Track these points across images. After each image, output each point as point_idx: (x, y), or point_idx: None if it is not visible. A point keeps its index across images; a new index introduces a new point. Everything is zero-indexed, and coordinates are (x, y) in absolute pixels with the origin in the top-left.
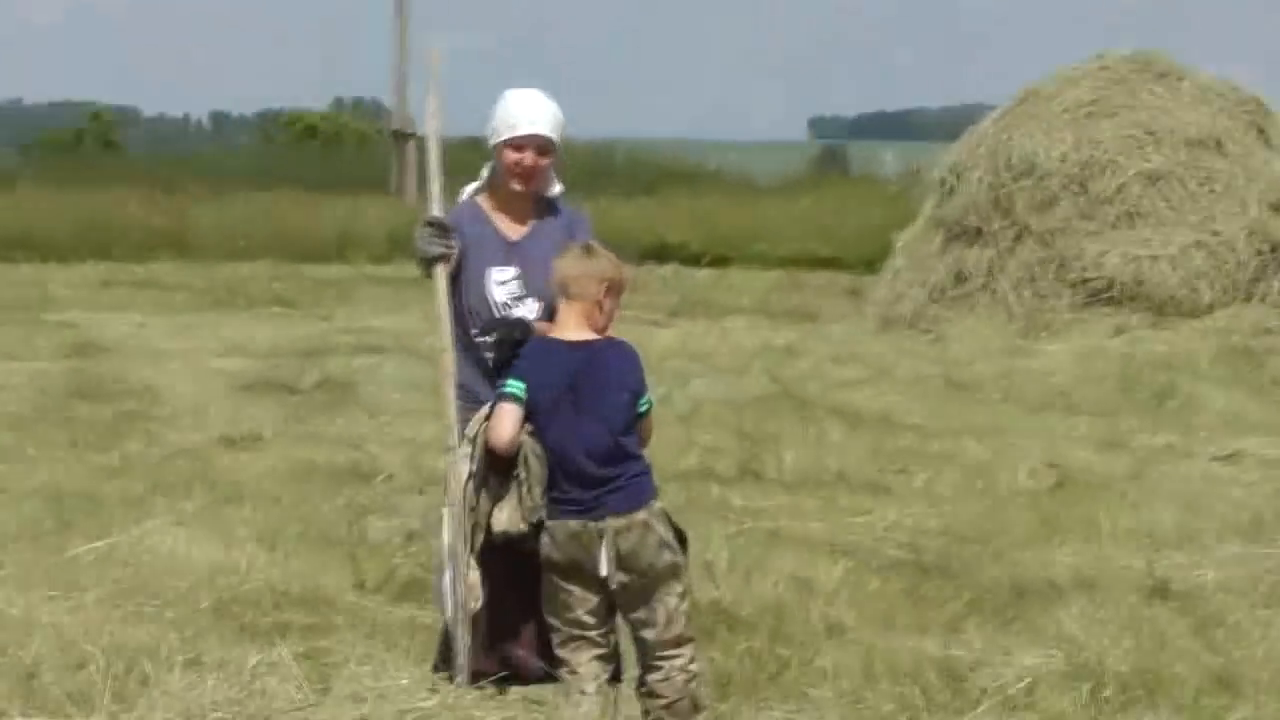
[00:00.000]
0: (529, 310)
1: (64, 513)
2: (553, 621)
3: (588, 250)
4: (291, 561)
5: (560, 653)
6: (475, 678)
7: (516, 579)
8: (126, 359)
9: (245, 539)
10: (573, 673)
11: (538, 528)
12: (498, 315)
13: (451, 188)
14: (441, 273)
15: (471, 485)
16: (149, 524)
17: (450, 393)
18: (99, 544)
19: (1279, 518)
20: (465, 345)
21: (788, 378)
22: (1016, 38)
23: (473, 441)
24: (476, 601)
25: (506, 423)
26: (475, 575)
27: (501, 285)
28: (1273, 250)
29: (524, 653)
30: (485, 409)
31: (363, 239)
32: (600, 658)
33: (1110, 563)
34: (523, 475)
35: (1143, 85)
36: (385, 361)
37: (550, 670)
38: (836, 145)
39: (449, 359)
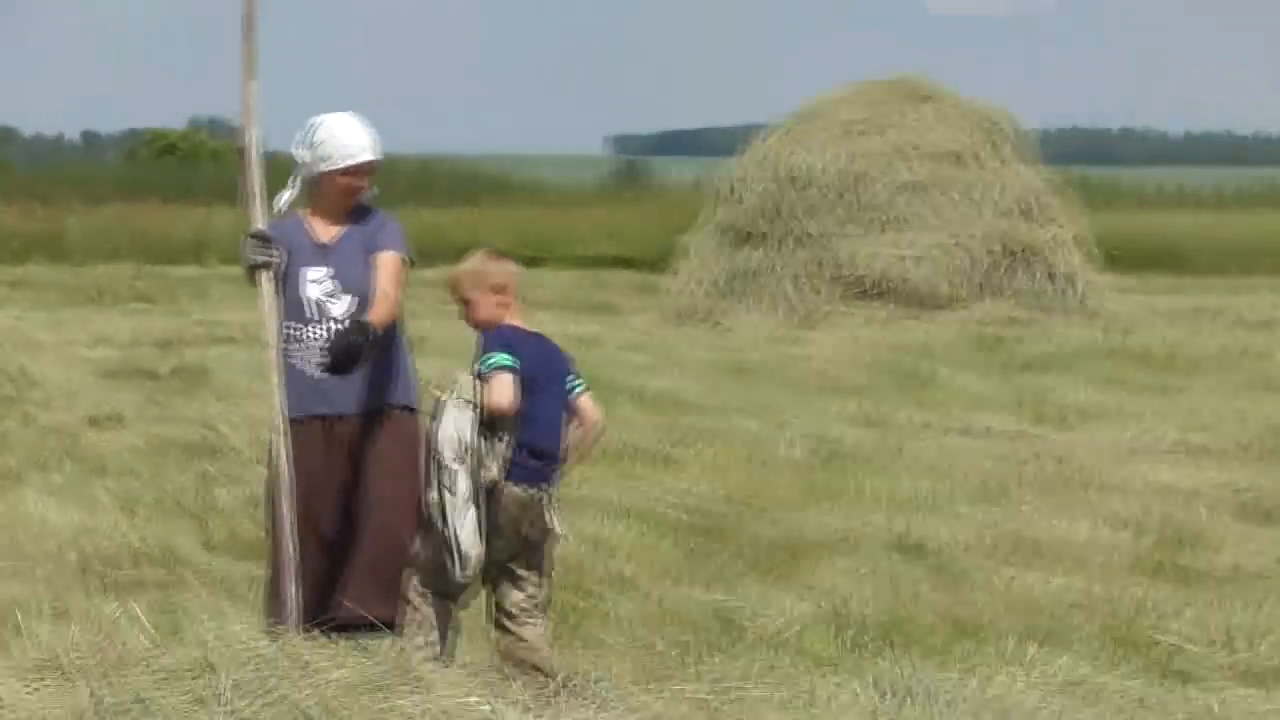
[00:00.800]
0: (343, 305)
1: None
2: (430, 577)
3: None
4: (148, 525)
5: (416, 600)
6: (305, 624)
7: (339, 528)
8: (4, 349)
9: (108, 506)
10: (416, 610)
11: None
12: (311, 311)
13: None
14: (264, 278)
15: (482, 443)
16: (22, 493)
17: (276, 382)
18: None
19: (1017, 484)
20: (286, 339)
21: (589, 363)
22: (798, 61)
23: (471, 403)
24: (479, 547)
25: (510, 389)
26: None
27: (316, 284)
28: (1013, 251)
29: (350, 603)
30: (468, 377)
31: (215, 243)
32: (451, 617)
33: (868, 524)
34: (505, 437)
35: (904, 106)
36: (235, 351)
37: (376, 620)
38: (637, 160)
39: (273, 354)
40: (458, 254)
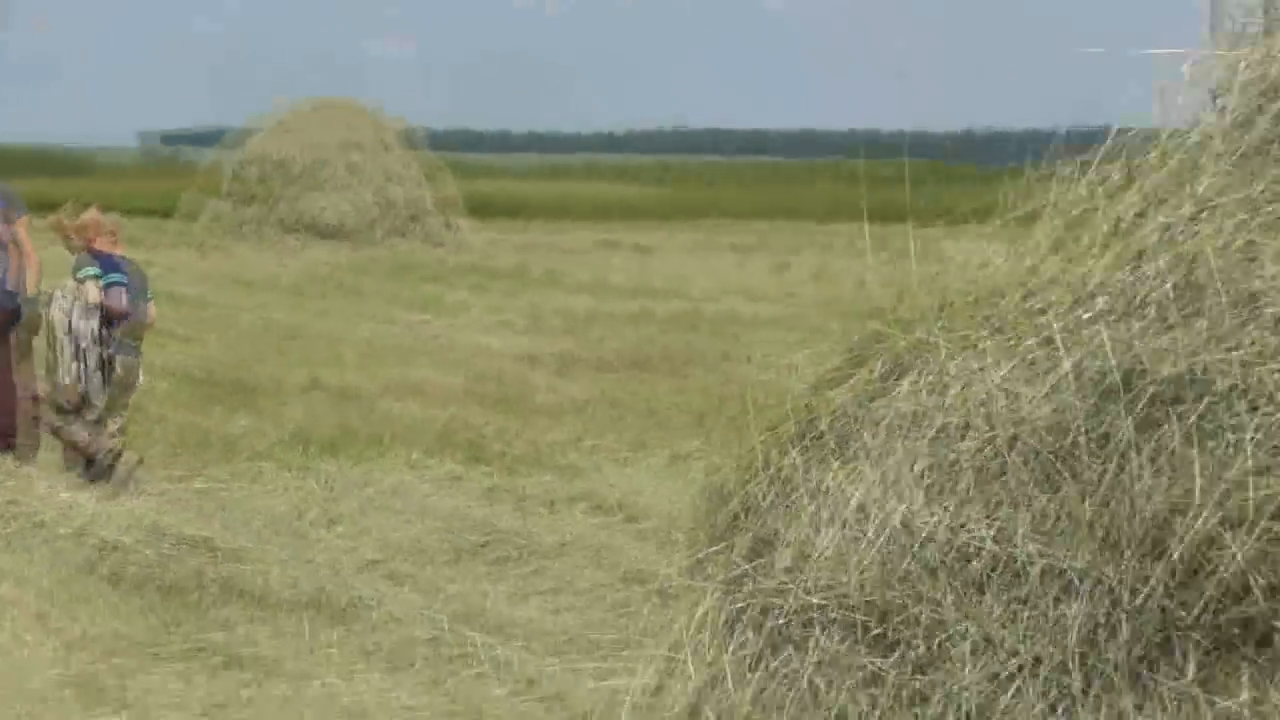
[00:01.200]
0: None
1: None
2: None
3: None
4: None
5: (56, 419)
6: None
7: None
8: None
9: None
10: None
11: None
12: None
13: None
14: None
15: (104, 331)
16: None
17: None
18: None
19: (410, 351)
20: None
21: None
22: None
23: (76, 300)
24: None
25: (124, 297)
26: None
27: None
28: (414, 206)
29: None
30: (71, 283)
31: None
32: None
33: (315, 376)
34: (116, 326)
35: (340, 114)
36: None
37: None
38: (175, 148)
39: None
40: (48, 210)
